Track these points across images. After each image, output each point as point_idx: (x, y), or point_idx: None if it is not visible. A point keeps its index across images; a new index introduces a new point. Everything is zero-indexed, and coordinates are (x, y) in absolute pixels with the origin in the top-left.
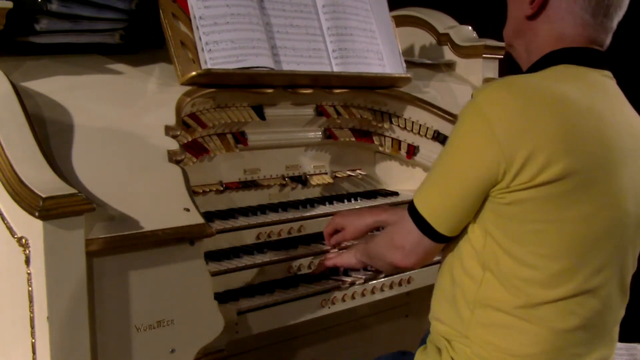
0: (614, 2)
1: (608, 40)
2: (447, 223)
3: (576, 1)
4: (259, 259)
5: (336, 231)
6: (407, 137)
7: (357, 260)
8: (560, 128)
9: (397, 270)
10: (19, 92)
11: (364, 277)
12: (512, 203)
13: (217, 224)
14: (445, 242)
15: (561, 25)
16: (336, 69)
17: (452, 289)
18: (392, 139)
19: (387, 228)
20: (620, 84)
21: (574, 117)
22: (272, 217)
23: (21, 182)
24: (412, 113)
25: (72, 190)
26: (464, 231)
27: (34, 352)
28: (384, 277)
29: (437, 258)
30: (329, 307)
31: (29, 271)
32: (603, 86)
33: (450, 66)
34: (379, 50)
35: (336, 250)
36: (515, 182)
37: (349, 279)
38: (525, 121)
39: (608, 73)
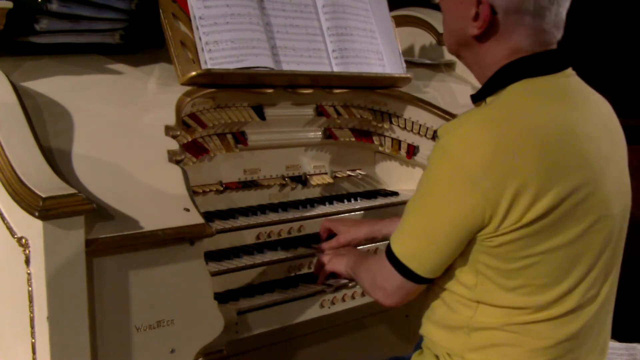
0: None
1: (560, 34)
2: (431, 267)
3: (524, 12)
4: (259, 259)
5: (330, 233)
6: (407, 137)
7: (347, 273)
8: (541, 160)
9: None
10: (19, 92)
11: (351, 284)
12: (501, 245)
13: (217, 224)
14: (429, 283)
15: (514, 39)
16: (336, 69)
17: (446, 314)
18: (392, 139)
19: (372, 263)
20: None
21: (552, 145)
22: (272, 217)
23: (21, 182)
24: (412, 113)
25: (72, 190)
26: (451, 270)
27: (34, 352)
28: None
29: None
30: (329, 307)
31: (29, 271)
32: (568, 92)
33: (450, 66)
34: (379, 50)
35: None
36: (503, 226)
37: (334, 285)
38: (504, 162)
39: (568, 72)
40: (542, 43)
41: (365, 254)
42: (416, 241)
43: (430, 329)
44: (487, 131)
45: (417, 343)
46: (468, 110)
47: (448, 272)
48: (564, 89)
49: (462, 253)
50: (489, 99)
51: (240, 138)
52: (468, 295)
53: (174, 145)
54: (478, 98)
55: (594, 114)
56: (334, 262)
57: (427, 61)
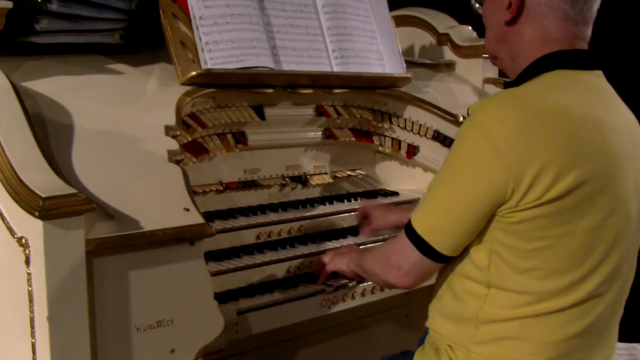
0: None
1: (589, 31)
2: (450, 243)
3: None
4: (259, 259)
5: (366, 217)
6: (407, 137)
7: (349, 269)
8: (566, 141)
9: (391, 287)
10: (19, 92)
11: (350, 283)
12: (520, 222)
13: (217, 224)
14: (447, 262)
15: (543, 23)
16: (336, 69)
17: (454, 305)
18: (392, 139)
19: (383, 246)
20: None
21: (577, 128)
22: (272, 217)
23: (21, 182)
24: (412, 113)
25: (72, 190)
26: (465, 250)
27: (34, 352)
28: None
29: None
30: (329, 307)
31: (29, 271)
32: (597, 88)
33: (450, 66)
34: (379, 50)
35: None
36: (524, 201)
37: (334, 284)
38: (530, 137)
39: (599, 72)
40: (572, 35)
41: (366, 249)
42: (437, 215)
43: (437, 320)
44: (517, 107)
45: (421, 339)
46: (498, 92)
47: (462, 254)
48: (594, 85)
49: (480, 232)
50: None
51: (240, 138)
52: (479, 278)
53: (174, 145)
54: (510, 87)
55: (620, 114)
56: (335, 262)
57: (427, 61)
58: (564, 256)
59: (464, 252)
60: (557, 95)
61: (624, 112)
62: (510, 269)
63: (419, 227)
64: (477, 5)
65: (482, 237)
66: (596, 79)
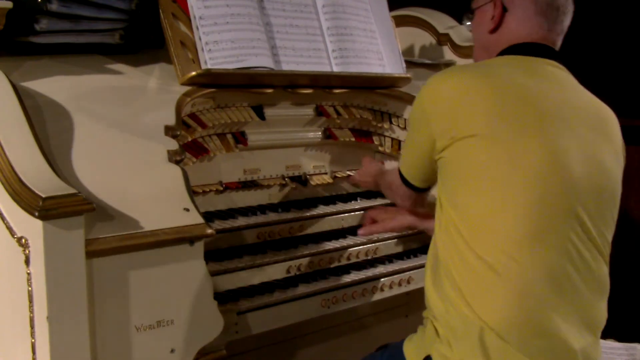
0: (560, 6)
1: (559, 42)
2: (417, 179)
3: (529, 7)
4: (259, 259)
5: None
6: None
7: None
8: (488, 100)
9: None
10: (19, 92)
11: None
12: (445, 158)
13: (217, 224)
14: (423, 192)
15: (519, 30)
16: (336, 69)
17: (435, 267)
18: (392, 139)
19: (387, 181)
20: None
21: (503, 89)
22: (272, 217)
23: (21, 182)
24: None
25: (72, 190)
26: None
27: (34, 352)
28: (383, 278)
29: None
30: (329, 307)
31: (29, 271)
32: (549, 73)
33: (450, 66)
34: (379, 50)
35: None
36: (440, 144)
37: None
38: (454, 105)
39: (557, 63)
40: (542, 38)
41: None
42: (406, 161)
43: (427, 295)
44: (450, 77)
45: None
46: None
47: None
48: (547, 71)
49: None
50: None
51: (240, 138)
52: (442, 232)
53: (174, 145)
54: None
55: (568, 93)
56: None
57: (427, 61)
58: (491, 187)
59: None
60: (493, 70)
61: (588, 97)
62: (451, 207)
63: (402, 168)
64: (468, 23)
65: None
66: (551, 68)
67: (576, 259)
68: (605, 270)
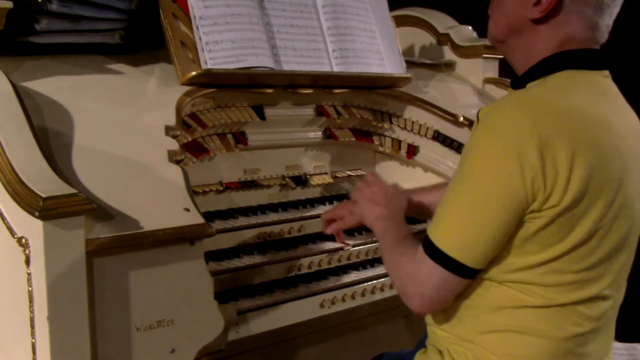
0: (615, 1)
1: (605, 38)
2: (482, 255)
3: (587, 4)
4: (259, 259)
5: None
6: (407, 137)
7: (377, 229)
8: (580, 143)
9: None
10: (19, 92)
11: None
12: (538, 228)
13: (217, 224)
14: (473, 278)
15: (570, 29)
16: (336, 69)
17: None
18: (392, 139)
19: (403, 267)
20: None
21: (589, 130)
22: (272, 217)
23: (21, 182)
24: (412, 113)
25: (72, 190)
26: None
27: (34, 352)
28: (383, 278)
29: None
30: (329, 307)
31: (29, 271)
32: (605, 89)
33: (450, 66)
34: (379, 50)
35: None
36: (547, 204)
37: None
38: (546, 139)
39: (607, 73)
40: (593, 40)
41: (400, 245)
42: (464, 228)
43: (437, 319)
44: (530, 110)
45: (421, 340)
46: (508, 94)
47: None
48: (603, 87)
49: None
50: (529, 85)
51: (240, 138)
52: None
53: (174, 145)
54: (519, 84)
55: (626, 115)
56: (365, 213)
57: (427, 61)
58: (569, 258)
59: None
60: (569, 98)
61: (629, 113)
62: (511, 266)
63: (445, 245)
64: None
65: None
66: (604, 80)
67: (618, 299)
68: None
